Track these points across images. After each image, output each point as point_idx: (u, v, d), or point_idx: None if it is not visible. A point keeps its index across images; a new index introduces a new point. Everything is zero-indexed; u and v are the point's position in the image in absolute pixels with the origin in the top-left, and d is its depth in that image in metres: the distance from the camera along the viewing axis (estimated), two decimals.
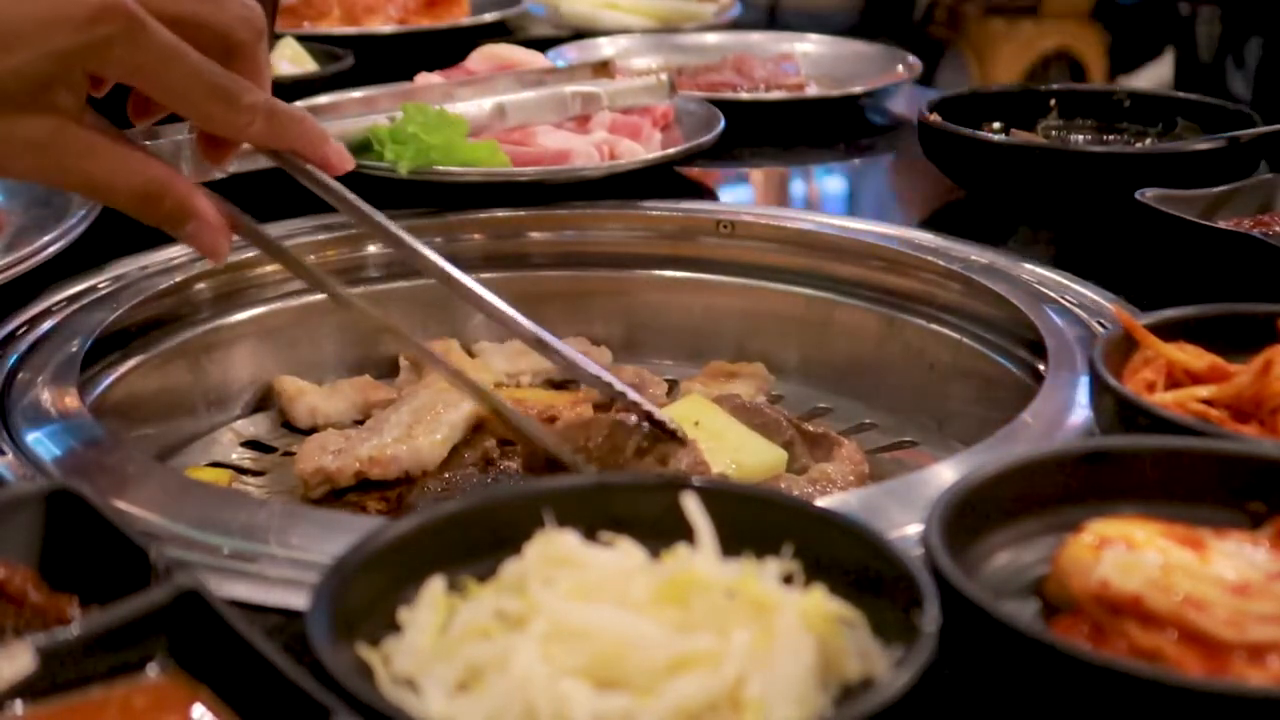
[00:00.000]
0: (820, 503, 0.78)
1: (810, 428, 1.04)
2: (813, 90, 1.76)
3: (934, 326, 1.19)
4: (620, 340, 1.28)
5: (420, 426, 1.06)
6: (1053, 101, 1.47)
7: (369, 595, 0.61)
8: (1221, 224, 1.11)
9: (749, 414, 1.02)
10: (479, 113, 1.33)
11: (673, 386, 1.21)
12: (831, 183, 1.54)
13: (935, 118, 1.35)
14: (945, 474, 0.82)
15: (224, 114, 0.80)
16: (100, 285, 1.10)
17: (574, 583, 0.58)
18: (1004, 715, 0.61)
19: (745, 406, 1.03)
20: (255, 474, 1.11)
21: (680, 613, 0.57)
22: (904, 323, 1.21)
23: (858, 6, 3.80)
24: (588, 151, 1.31)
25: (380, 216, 0.89)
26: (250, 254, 1.18)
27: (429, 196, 1.26)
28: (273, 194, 1.23)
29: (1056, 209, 1.27)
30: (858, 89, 1.71)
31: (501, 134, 1.34)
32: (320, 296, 1.22)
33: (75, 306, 1.07)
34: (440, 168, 1.26)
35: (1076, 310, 1.06)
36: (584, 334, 1.26)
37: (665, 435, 0.89)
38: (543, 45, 1.78)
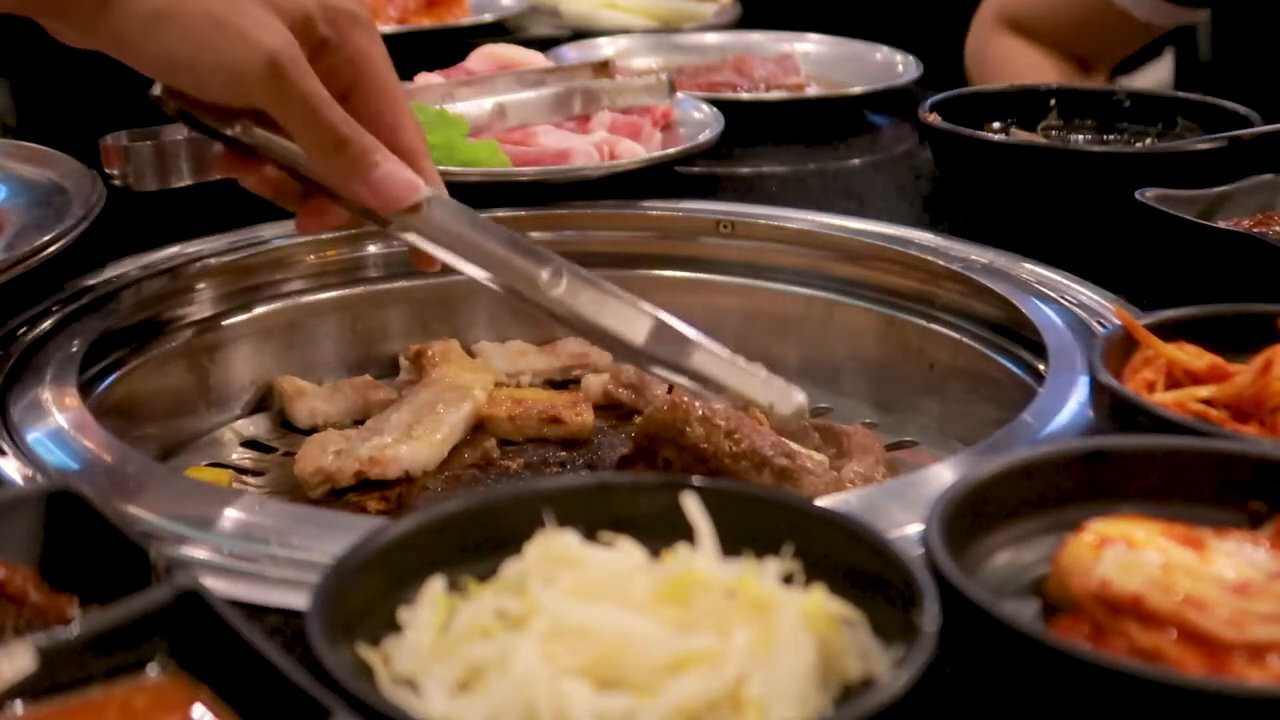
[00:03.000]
0: (820, 503, 0.78)
1: (820, 422, 1.05)
2: (813, 90, 1.76)
3: (934, 326, 1.19)
4: None
5: (420, 426, 1.06)
6: (1053, 101, 1.47)
7: (369, 595, 0.61)
8: (1221, 224, 1.11)
9: (777, 424, 1.01)
10: (479, 113, 1.33)
11: (673, 386, 1.21)
12: (831, 183, 1.54)
13: (935, 118, 1.35)
14: (945, 474, 0.82)
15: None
16: (100, 285, 1.10)
17: (574, 582, 0.58)
18: (1004, 715, 0.61)
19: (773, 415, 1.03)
20: (255, 474, 1.11)
21: (681, 612, 0.57)
22: (904, 323, 1.21)
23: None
24: (588, 151, 1.31)
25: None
26: (250, 254, 1.18)
27: None
28: None
29: (1056, 209, 1.27)
30: (858, 89, 1.71)
31: (501, 134, 1.34)
32: (320, 296, 1.23)
33: (75, 306, 1.07)
34: (440, 168, 1.25)
35: (1076, 310, 1.06)
36: None
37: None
38: (543, 45, 1.78)
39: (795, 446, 0.93)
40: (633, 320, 0.80)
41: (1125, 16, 1.74)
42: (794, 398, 0.77)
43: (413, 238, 0.86)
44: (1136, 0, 1.72)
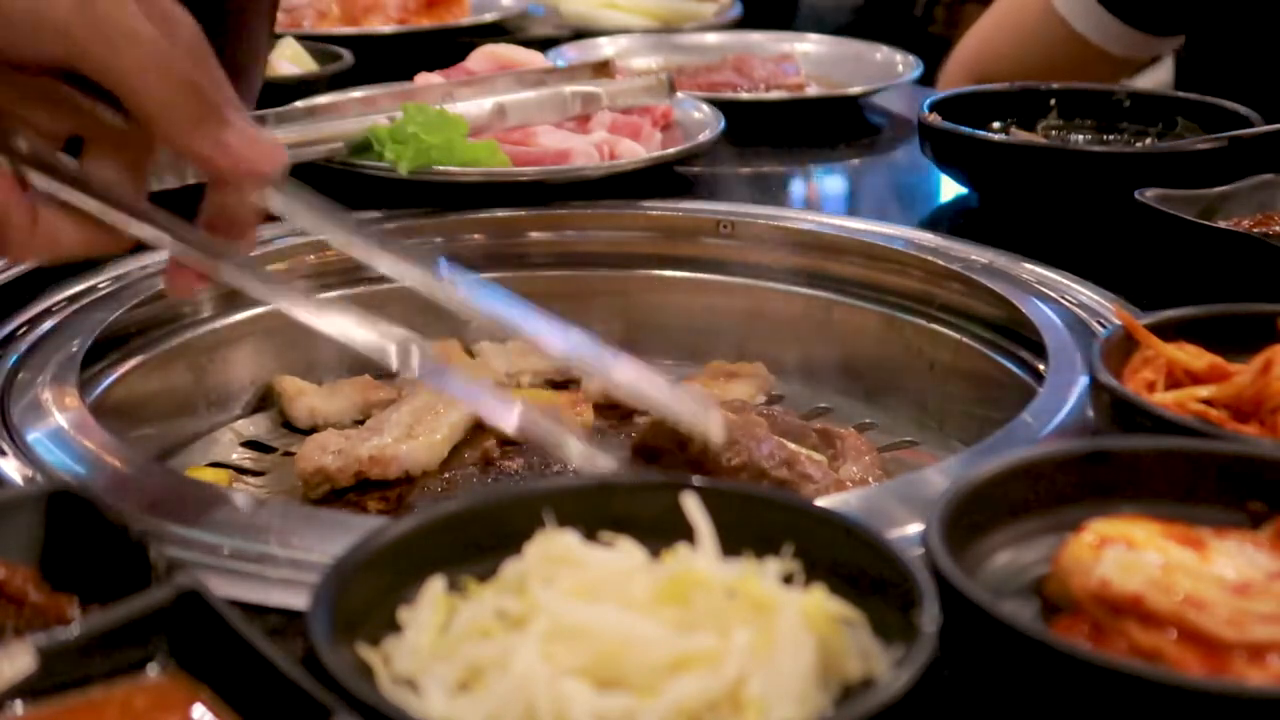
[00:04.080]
0: (820, 503, 0.78)
1: (816, 425, 1.05)
2: (813, 90, 1.76)
3: (934, 326, 1.19)
4: (620, 340, 1.26)
5: (420, 426, 1.06)
6: (1053, 101, 1.47)
7: (369, 595, 0.61)
8: (1221, 224, 1.11)
9: (776, 424, 1.01)
10: (479, 113, 1.33)
11: None
12: (831, 183, 1.54)
13: (935, 118, 1.35)
14: (945, 474, 0.82)
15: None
16: (100, 285, 1.10)
17: (574, 582, 0.58)
18: (1004, 715, 0.61)
19: (772, 416, 1.03)
20: (255, 474, 1.11)
21: (681, 612, 0.57)
22: (904, 323, 1.20)
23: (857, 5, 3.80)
24: (588, 151, 1.31)
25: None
26: (250, 254, 1.18)
27: (429, 196, 1.26)
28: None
29: (1056, 209, 1.27)
30: (858, 89, 1.71)
31: (501, 134, 1.34)
32: (320, 296, 1.22)
33: (75, 306, 1.07)
34: (440, 168, 1.26)
35: (1076, 310, 1.06)
36: None
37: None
38: (543, 45, 1.78)
39: (795, 448, 0.93)
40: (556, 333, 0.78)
41: (1100, 53, 1.71)
42: (713, 426, 0.78)
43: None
44: (1112, 36, 1.70)
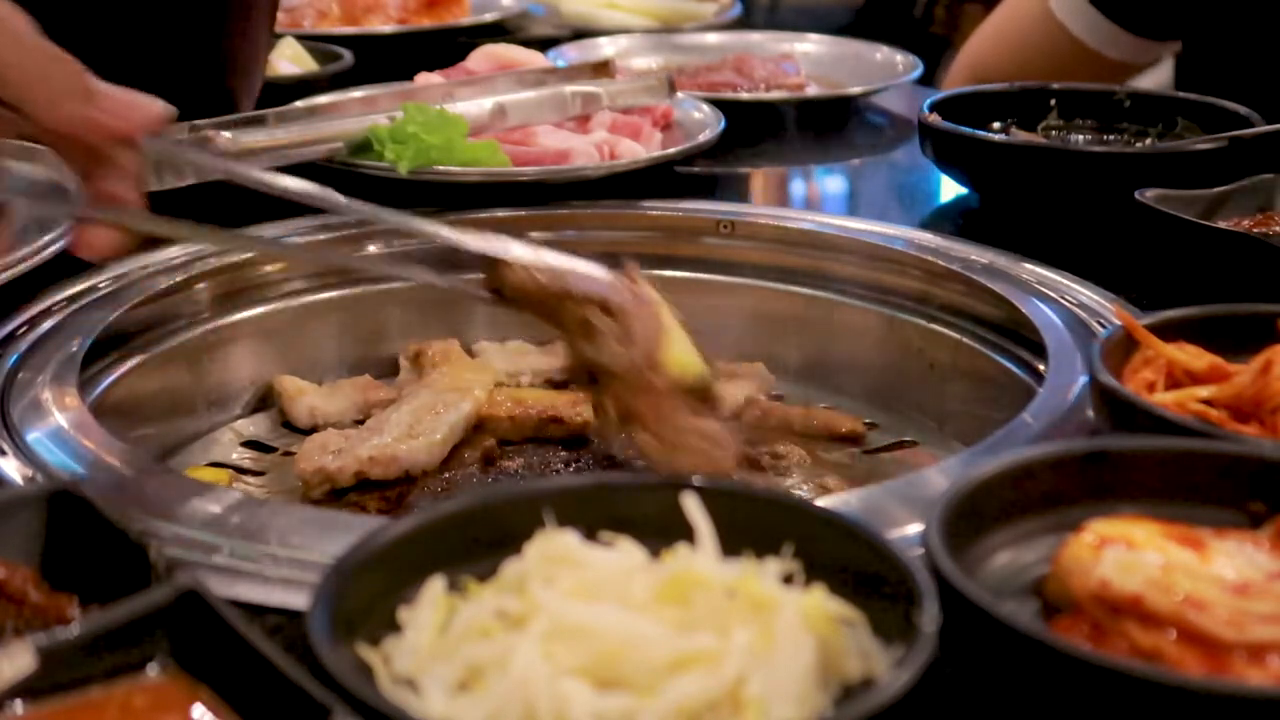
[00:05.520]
0: (820, 503, 0.78)
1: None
2: (813, 90, 1.76)
3: (934, 326, 1.19)
4: None
5: (420, 426, 1.06)
6: (1053, 101, 1.47)
7: (369, 595, 0.61)
8: (1221, 224, 1.11)
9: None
10: (479, 113, 1.33)
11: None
12: (831, 183, 1.54)
13: (935, 118, 1.35)
14: (945, 474, 0.82)
15: None
16: (100, 285, 1.10)
17: (574, 582, 0.58)
18: (1004, 715, 0.61)
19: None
20: (255, 474, 1.11)
21: (681, 612, 0.57)
22: (904, 323, 1.21)
23: (856, 5, 3.80)
24: (588, 151, 1.31)
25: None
26: (250, 254, 1.18)
27: (429, 196, 1.26)
28: (273, 194, 1.23)
29: (1056, 209, 1.27)
30: (858, 89, 1.71)
31: (501, 134, 1.34)
32: (320, 296, 1.23)
33: (75, 306, 1.07)
34: (440, 168, 1.26)
35: (1076, 310, 1.06)
36: None
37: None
38: (543, 45, 1.79)
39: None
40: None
41: (1099, 58, 1.71)
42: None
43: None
44: (1108, 40, 1.70)
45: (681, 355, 0.92)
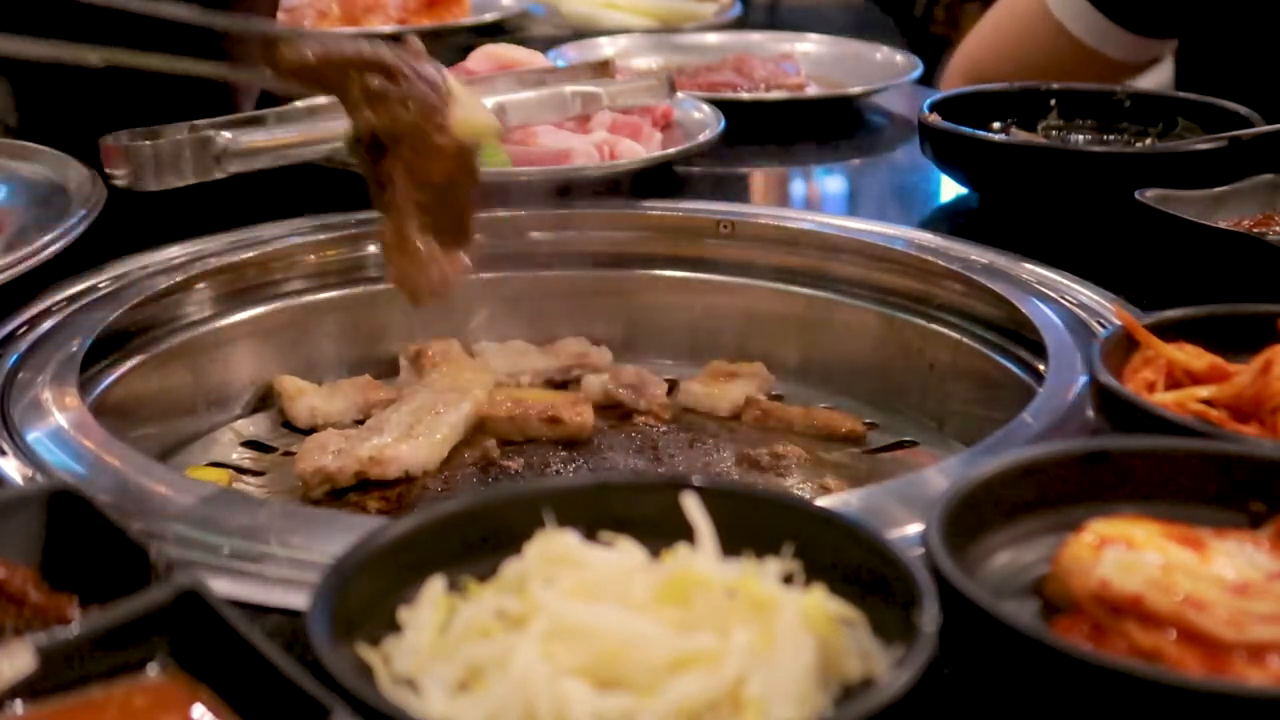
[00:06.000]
0: (820, 503, 0.78)
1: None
2: (813, 90, 1.76)
3: (934, 326, 1.19)
4: (620, 340, 1.28)
5: (420, 426, 1.06)
6: (1053, 101, 1.47)
7: (369, 595, 0.61)
8: (1221, 224, 1.11)
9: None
10: None
11: (673, 386, 1.21)
12: (831, 183, 1.54)
13: (935, 118, 1.35)
14: (945, 474, 0.82)
15: None
16: (100, 285, 1.10)
17: (574, 582, 0.58)
18: (1004, 715, 0.61)
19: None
20: (255, 474, 1.11)
21: (680, 612, 0.57)
22: (904, 323, 1.21)
23: (857, 5, 3.80)
24: (588, 151, 1.31)
25: None
26: (250, 254, 1.18)
27: None
28: (272, 194, 1.23)
29: (1056, 209, 1.27)
30: (858, 89, 1.71)
31: (502, 134, 1.34)
32: (320, 296, 1.23)
33: (75, 306, 1.06)
34: None
35: (1076, 310, 1.06)
36: (584, 334, 1.26)
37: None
38: (543, 45, 1.78)
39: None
40: None
41: (1096, 57, 1.71)
42: None
43: None
44: (1106, 38, 1.69)
45: (469, 116, 0.92)
